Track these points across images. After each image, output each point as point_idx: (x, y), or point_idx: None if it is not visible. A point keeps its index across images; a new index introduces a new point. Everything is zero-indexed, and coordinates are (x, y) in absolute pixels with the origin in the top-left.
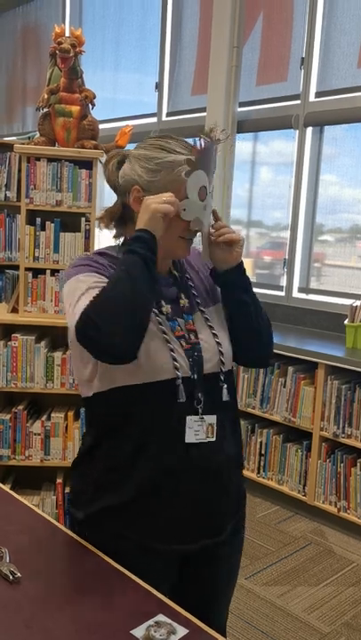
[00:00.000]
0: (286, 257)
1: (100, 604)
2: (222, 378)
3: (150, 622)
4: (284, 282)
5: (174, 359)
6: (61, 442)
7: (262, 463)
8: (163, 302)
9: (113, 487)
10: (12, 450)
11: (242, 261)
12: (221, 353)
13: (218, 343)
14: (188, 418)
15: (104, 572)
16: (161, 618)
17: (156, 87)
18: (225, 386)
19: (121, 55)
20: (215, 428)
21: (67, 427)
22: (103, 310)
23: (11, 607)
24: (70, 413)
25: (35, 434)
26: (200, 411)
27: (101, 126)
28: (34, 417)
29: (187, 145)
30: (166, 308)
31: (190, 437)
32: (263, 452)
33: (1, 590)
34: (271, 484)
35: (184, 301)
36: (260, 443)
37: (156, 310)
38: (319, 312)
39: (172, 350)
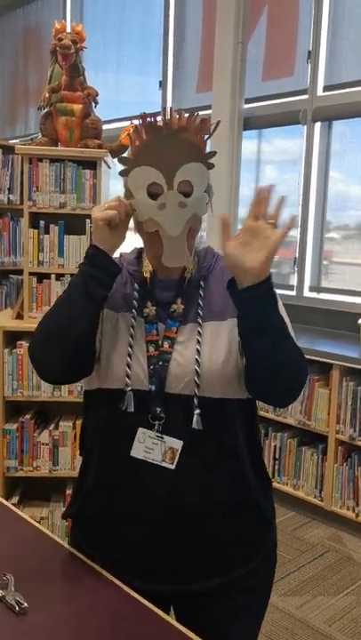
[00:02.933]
0: (296, 255)
1: (109, 634)
2: (196, 402)
3: None
4: (294, 281)
5: (128, 366)
6: (70, 451)
7: (277, 467)
8: (149, 303)
9: (74, 491)
10: (19, 461)
11: (270, 275)
12: (197, 373)
13: (197, 361)
14: (141, 430)
15: (115, 599)
16: None
17: (160, 85)
18: (197, 411)
19: (123, 54)
20: (177, 455)
21: (75, 436)
22: (38, 337)
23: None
24: (79, 422)
25: (43, 444)
26: (157, 428)
27: (105, 127)
28: (41, 426)
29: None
30: (150, 309)
31: (138, 451)
32: (277, 456)
33: (7, 622)
34: (286, 488)
35: (177, 307)
36: (275, 447)
37: (135, 311)
38: (332, 311)
39: (129, 356)
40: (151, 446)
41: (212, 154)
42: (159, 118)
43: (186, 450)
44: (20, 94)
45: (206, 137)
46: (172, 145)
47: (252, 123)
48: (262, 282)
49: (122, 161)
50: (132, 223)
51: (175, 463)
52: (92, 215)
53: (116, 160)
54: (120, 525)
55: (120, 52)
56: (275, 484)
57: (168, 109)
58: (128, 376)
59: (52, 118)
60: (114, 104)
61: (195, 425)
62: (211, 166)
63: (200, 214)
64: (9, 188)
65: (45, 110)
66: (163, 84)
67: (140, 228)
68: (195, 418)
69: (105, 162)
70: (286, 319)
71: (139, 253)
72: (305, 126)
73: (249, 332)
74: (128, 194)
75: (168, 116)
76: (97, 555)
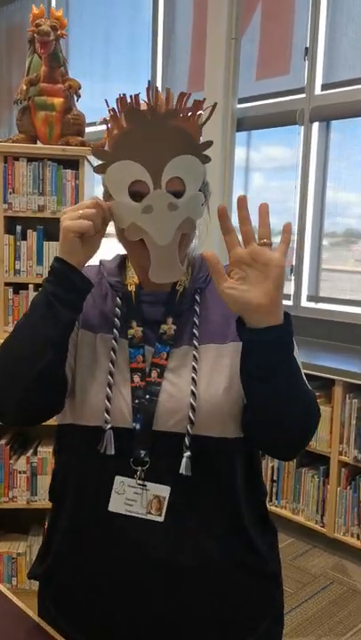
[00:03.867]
0: (293, 263)
1: None
2: (187, 442)
3: None
4: (290, 289)
5: (108, 399)
6: (50, 480)
7: (275, 490)
8: (134, 323)
9: (43, 546)
10: None
11: (288, 315)
12: (193, 407)
13: (193, 393)
14: (119, 479)
15: None
16: None
17: (149, 84)
18: (187, 454)
19: (111, 52)
20: (165, 504)
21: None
22: None
23: None
24: None
25: (20, 472)
26: (140, 474)
27: (91, 129)
28: (18, 452)
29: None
30: (136, 330)
31: (117, 505)
32: (275, 477)
33: None
34: (285, 513)
35: (168, 327)
36: (272, 467)
37: (116, 332)
38: (332, 322)
39: (110, 386)
40: (133, 497)
41: (208, 144)
42: (142, 102)
43: (175, 498)
44: (4, 95)
45: (201, 123)
46: (158, 134)
47: (246, 123)
48: (280, 324)
49: (97, 154)
50: (111, 228)
51: (163, 514)
52: (62, 223)
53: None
54: (99, 593)
55: (107, 50)
56: (272, 508)
57: (153, 88)
58: (108, 411)
59: (29, 113)
60: (100, 102)
61: (183, 470)
62: (206, 160)
63: (194, 218)
64: None
65: (23, 105)
66: (152, 83)
67: (121, 236)
68: (184, 461)
69: (88, 161)
70: (298, 357)
71: (122, 261)
72: (302, 127)
73: (253, 378)
74: (107, 195)
75: (153, 98)
76: (71, 628)
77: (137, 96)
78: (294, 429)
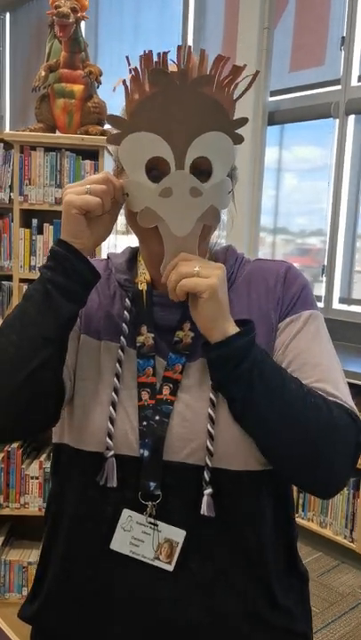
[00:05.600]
0: (325, 264)
1: None
2: (207, 477)
3: None
4: (321, 291)
5: (111, 420)
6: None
7: (301, 502)
8: (144, 328)
9: (35, 583)
10: (4, 496)
11: (240, 334)
12: (210, 435)
13: (210, 418)
14: (127, 512)
15: None
16: None
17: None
18: (208, 491)
19: (140, 40)
20: (177, 551)
21: None
22: None
23: None
24: None
25: (32, 477)
26: (150, 511)
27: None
28: (31, 456)
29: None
30: (146, 337)
31: (121, 544)
32: None
33: None
34: (312, 526)
35: (184, 334)
36: None
37: (124, 340)
38: None
39: (113, 405)
40: (140, 537)
41: (243, 121)
42: (171, 63)
43: (189, 544)
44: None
45: (237, 96)
46: (187, 103)
47: (278, 117)
48: (219, 344)
49: (112, 121)
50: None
51: (174, 563)
52: (64, 197)
53: None
54: None
55: (136, 41)
56: (298, 520)
57: (185, 50)
58: (110, 436)
59: (48, 101)
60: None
61: (205, 510)
62: (239, 139)
63: (219, 207)
64: (10, 186)
65: (41, 92)
66: (184, 45)
67: (133, 222)
68: (205, 500)
69: (108, 151)
70: (335, 367)
71: (132, 256)
72: (337, 120)
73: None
74: (119, 170)
75: (185, 60)
76: None
77: (165, 55)
78: (305, 467)
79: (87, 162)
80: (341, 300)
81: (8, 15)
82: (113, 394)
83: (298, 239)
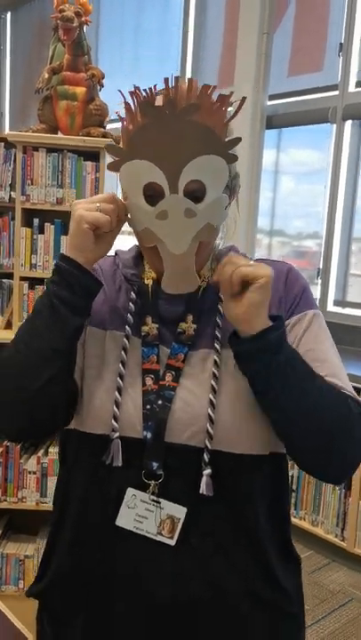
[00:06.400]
0: (320, 267)
1: None
2: (206, 459)
3: None
4: (317, 294)
5: (117, 403)
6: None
7: (293, 500)
8: (149, 319)
9: (43, 562)
10: (2, 490)
11: (274, 326)
12: (211, 419)
13: (211, 403)
14: (131, 491)
15: None
16: None
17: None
18: (207, 471)
19: (140, 45)
20: (178, 527)
21: None
22: None
23: None
24: None
25: (29, 472)
26: (153, 489)
27: (117, 125)
28: (29, 452)
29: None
30: (150, 327)
31: (126, 520)
32: (295, 487)
33: None
34: (304, 524)
35: (187, 326)
36: (292, 476)
37: (129, 329)
38: (360, 328)
39: (119, 390)
40: (144, 514)
41: (236, 141)
42: (161, 93)
43: (191, 520)
44: (33, 90)
45: (228, 119)
46: (177, 130)
47: (276, 121)
48: (257, 336)
49: (111, 151)
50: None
51: (176, 538)
52: (75, 212)
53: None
54: (99, 619)
55: (137, 44)
56: (291, 519)
57: (173, 80)
58: (116, 418)
59: (51, 102)
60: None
61: (204, 490)
62: (233, 159)
63: (215, 223)
64: (10, 185)
65: (44, 94)
66: (175, 75)
67: (138, 236)
68: (204, 480)
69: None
70: (337, 364)
71: (138, 253)
72: (334, 125)
73: (255, 389)
74: (125, 192)
75: (173, 90)
76: None
77: (152, 89)
78: (325, 453)
79: (88, 163)
80: (336, 303)
81: (9, 15)
82: (118, 379)
83: (294, 241)
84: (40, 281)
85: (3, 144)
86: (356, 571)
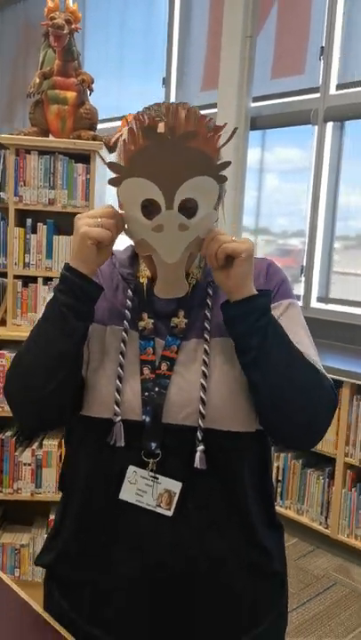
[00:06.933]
0: (304, 264)
1: None
2: (200, 436)
3: None
4: (300, 290)
5: (118, 390)
6: (55, 473)
7: (279, 490)
8: (145, 315)
9: (51, 535)
10: None
11: (260, 294)
12: (203, 401)
13: (202, 387)
14: (132, 468)
15: None
16: None
17: (164, 82)
18: (200, 447)
19: (126, 48)
20: (175, 500)
21: (60, 456)
22: (15, 383)
23: None
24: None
25: (24, 464)
26: (151, 466)
27: (104, 125)
28: (23, 444)
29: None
30: (147, 322)
31: (128, 494)
32: (281, 477)
33: None
34: (289, 513)
35: (179, 320)
36: (278, 467)
37: (127, 324)
38: (342, 324)
39: (119, 378)
40: (144, 488)
41: (226, 164)
42: (161, 123)
43: (186, 493)
44: (19, 91)
45: (220, 145)
46: (175, 154)
47: (260, 123)
48: (245, 300)
49: (112, 168)
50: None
51: (173, 509)
52: (79, 229)
53: (112, 155)
54: (104, 581)
55: (122, 45)
56: (276, 508)
57: (173, 109)
58: (118, 403)
59: (42, 106)
60: (115, 99)
61: (197, 464)
62: (223, 179)
63: (204, 236)
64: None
65: (35, 98)
66: (166, 81)
67: (133, 243)
68: (198, 455)
69: (100, 155)
70: (310, 347)
71: (134, 253)
72: (316, 127)
73: (239, 351)
74: (121, 204)
75: (173, 118)
76: (73, 608)
77: (155, 116)
78: (297, 415)
79: (79, 165)
80: (319, 299)
81: None
82: (119, 369)
83: (279, 240)
84: (33, 279)
85: None
86: (339, 556)
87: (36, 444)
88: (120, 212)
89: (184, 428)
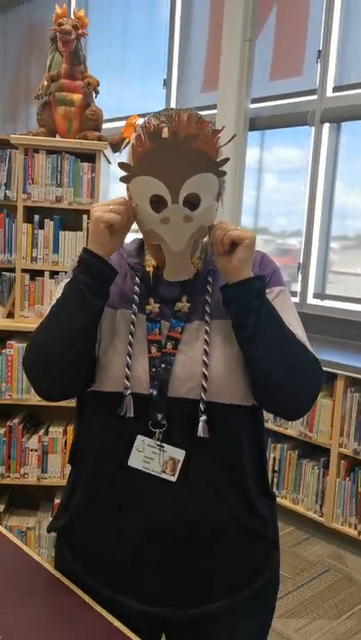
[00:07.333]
0: (301, 261)
1: None
2: (202, 408)
3: None
4: (297, 287)
5: (128, 367)
6: (60, 459)
7: (276, 480)
8: (152, 300)
9: (62, 504)
10: (5, 467)
11: (255, 277)
12: (205, 376)
13: (204, 363)
14: (140, 437)
15: (100, 632)
16: None
17: (164, 84)
18: (203, 418)
19: (128, 50)
20: (179, 467)
21: (66, 442)
22: (35, 354)
23: None
24: (70, 428)
25: (31, 450)
26: (158, 436)
27: (107, 125)
28: (30, 431)
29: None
30: (153, 306)
31: (136, 461)
32: (277, 468)
33: None
34: (285, 502)
35: (183, 305)
36: (274, 458)
37: (135, 307)
38: (336, 319)
39: (129, 356)
40: (151, 456)
41: (225, 161)
42: (165, 128)
43: (188, 461)
44: (22, 91)
45: (219, 146)
46: (178, 155)
47: (258, 123)
48: (244, 282)
49: (122, 167)
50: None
51: (176, 475)
52: (94, 214)
53: (116, 155)
54: (112, 542)
55: (124, 47)
56: None
57: (175, 116)
58: (128, 378)
59: (50, 108)
60: (117, 100)
61: (200, 432)
62: (222, 174)
63: (207, 225)
64: (5, 184)
65: (43, 100)
66: (167, 83)
67: (142, 233)
68: (201, 424)
69: (104, 155)
70: (299, 328)
71: (140, 244)
72: (313, 128)
73: (236, 329)
74: (131, 197)
75: (175, 123)
76: (84, 569)
77: (160, 123)
78: (286, 387)
79: (85, 164)
80: (316, 296)
81: None
82: (128, 347)
83: (278, 239)
84: (40, 273)
85: None
86: (333, 544)
87: (43, 430)
88: (131, 204)
89: (188, 400)
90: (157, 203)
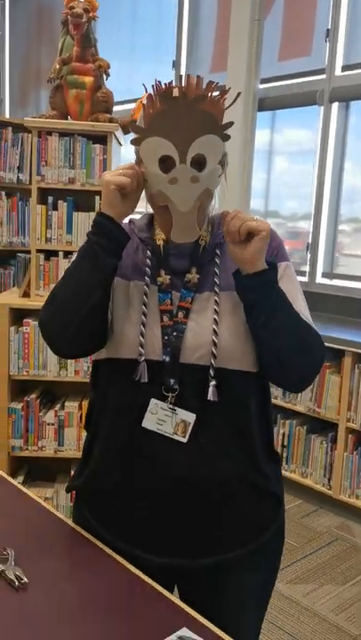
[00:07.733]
0: (309, 241)
1: (115, 615)
2: (212, 373)
3: (173, 637)
4: (306, 267)
5: (142, 335)
6: (76, 432)
7: (285, 455)
8: (163, 272)
9: (80, 465)
10: (24, 440)
11: (270, 268)
12: (215, 344)
13: (214, 332)
14: (153, 401)
15: (120, 579)
16: (185, 632)
17: (174, 65)
18: (213, 382)
19: (137, 32)
20: (189, 429)
21: (81, 416)
22: (50, 310)
23: (16, 616)
24: (85, 402)
25: (48, 424)
26: (170, 400)
27: (117, 108)
28: (47, 406)
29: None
30: (164, 278)
31: (150, 423)
32: (286, 443)
33: (5, 597)
34: (294, 476)
35: (192, 276)
36: (283, 434)
37: (148, 279)
38: (345, 298)
39: (143, 325)
40: (163, 418)
41: (229, 124)
42: (175, 88)
43: (199, 423)
44: (32, 75)
45: (225, 107)
46: (187, 116)
47: (268, 104)
48: (261, 273)
49: (134, 129)
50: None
51: (187, 436)
52: (104, 179)
53: (126, 137)
54: (127, 497)
55: (134, 30)
56: (283, 472)
57: (185, 77)
58: (142, 345)
59: (62, 91)
60: (126, 81)
61: (210, 396)
62: (227, 138)
63: (212, 188)
64: (18, 167)
65: (55, 83)
66: (176, 64)
67: (151, 200)
68: (210, 389)
69: (115, 137)
70: (303, 303)
71: (150, 220)
72: (322, 107)
73: (251, 319)
74: (138, 162)
75: (185, 84)
76: (101, 525)
77: (170, 83)
78: (295, 364)
79: (97, 146)
80: (324, 275)
81: (7, 0)
82: (142, 317)
83: (289, 222)
84: (54, 253)
85: (11, 129)
86: (340, 515)
87: (59, 405)
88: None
89: (198, 367)
90: (166, 164)
